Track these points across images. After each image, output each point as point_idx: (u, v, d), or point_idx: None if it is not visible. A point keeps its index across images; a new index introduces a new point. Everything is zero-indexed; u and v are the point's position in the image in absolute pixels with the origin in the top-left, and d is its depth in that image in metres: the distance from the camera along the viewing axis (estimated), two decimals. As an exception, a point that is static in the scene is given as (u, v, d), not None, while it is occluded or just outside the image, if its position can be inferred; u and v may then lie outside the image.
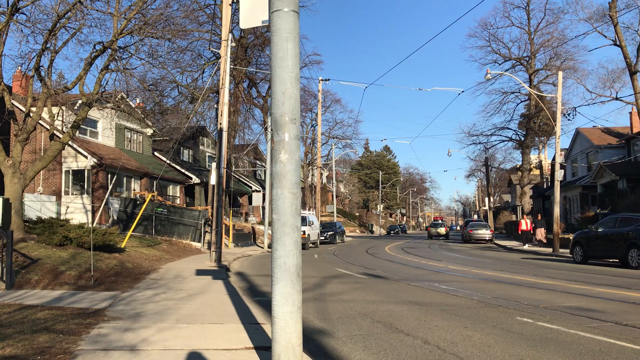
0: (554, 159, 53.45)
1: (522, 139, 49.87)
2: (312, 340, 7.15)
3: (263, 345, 6.34)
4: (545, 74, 47.60)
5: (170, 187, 38.48)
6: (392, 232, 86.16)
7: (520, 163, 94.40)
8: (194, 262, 20.40)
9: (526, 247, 32.69)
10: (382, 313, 9.13)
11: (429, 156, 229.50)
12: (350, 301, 10.63)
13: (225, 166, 21.49)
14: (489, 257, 24.93)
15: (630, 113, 46.99)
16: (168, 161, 36.79)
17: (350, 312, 9.29)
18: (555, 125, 28.15)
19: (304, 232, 33.09)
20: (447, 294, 11.35)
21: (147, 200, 25.32)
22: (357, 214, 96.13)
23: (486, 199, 59.85)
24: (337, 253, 29.02)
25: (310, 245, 34.29)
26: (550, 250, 28.21)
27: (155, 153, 40.31)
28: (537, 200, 58.42)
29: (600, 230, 19.72)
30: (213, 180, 21.57)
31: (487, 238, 41.97)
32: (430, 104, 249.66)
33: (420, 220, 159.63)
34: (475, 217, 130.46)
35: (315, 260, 23.85)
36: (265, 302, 10.83)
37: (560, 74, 28.32)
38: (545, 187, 62.82)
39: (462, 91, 44.88)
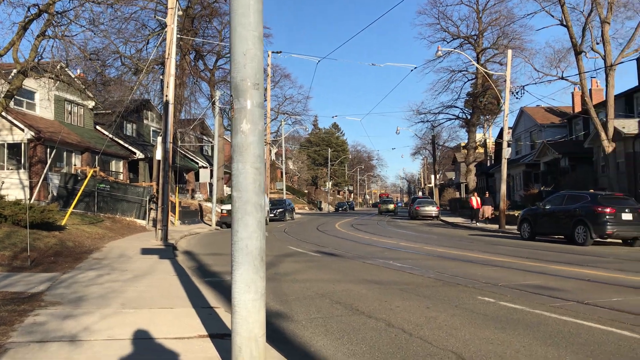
0: (499, 136, 54.56)
1: (469, 117, 50.47)
2: (269, 324, 6.71)
3: (218, 332, 5.87)
4: (493, 52, 48.14)
5: (113, 162, 37.05)
6: (340, 209, 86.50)
7: (465, 141, 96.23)
8: (139, 241, 19.60)
9: (477, 224, 32.93)
10: (340, 293, 8.78)
11: (378, 134, 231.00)
12: (306, 281, 10.25)
13: (171, 140, 20.63)
14: (438, 234, 25.07)
15: (573, 93, 48.20)
16: (111, 135, 35.28)
17: (308, 293, 8.91)
18: (503, 103, 28.42)
19: (252, 209, 32.50)
20: (404, 272, 11.12)
21: (89, 175, 24.16)
22: (306, 191, 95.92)
23: (432, 177, 60.67)
24: (287, 230, 28.63)
25: (259, 222, 33.71)
26: (496, 226, 28.66)
27: (97, 127, 38.65)
28: (481, 178, 59.50)
29: (547, 207, 20.01)
30: (159, 155, 20.69)
31: (434, 215, 42.45)
32: (382, 81, 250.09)
33: (367, 197, 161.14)
34: (420, 194, 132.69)
35: (266, 238, 23.35)
36: (216, 283, 10.34)
37: (510, 52, 28.53)
38: (489, 165, 64.13)
39: (415, 67, 44.69)
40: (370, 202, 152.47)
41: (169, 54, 20.37)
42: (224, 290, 9.48)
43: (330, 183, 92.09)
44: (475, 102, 49.14)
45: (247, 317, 4.10)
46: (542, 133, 46.72)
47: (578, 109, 47.29)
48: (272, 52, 27.41)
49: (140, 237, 21.54)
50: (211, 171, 35.77)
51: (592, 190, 20.59)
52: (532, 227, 20.61)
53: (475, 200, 34.56)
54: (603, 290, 8.80)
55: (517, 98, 29.05)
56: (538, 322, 6.54)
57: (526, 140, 48.93)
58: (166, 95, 20.35)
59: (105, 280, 9.81)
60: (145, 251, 15.80)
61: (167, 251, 16.24)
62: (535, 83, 33.04)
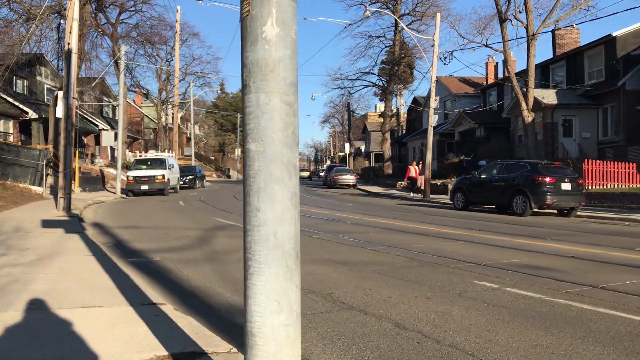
0: (412, 104, 54.49)
1: (386, 85, 49.77)
2: (237, 326, 5.07)
3: (184, 350, 4.10)
4: (412, 19, 47.40)
5: (1, 122, 32.98)
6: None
7: (373, 111, 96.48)
8: (37, 211, 16.96)
9: (416, 195, 29.61)
10: (307, 278, 7.21)
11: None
12: (255, 261, 8.58)
13: (75, 96, 17.93)
14: (366, 204, 24.04)
15: (487, 63, 48.78)
16: (-3, 91, 31.22)
17: (266, 278, 7.27)
18: (432, 68, 27.61)
19: (163, 176, 30.04)
20: (365, 249, 9.71)
21: (-27, 135, 20.81)
22: (213, 157, 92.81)
23: (347, 145, 59.98)
24: (203, 199, 26.56)
25: (170, 190, 31.30)
26: (420, 196, 28.10)
27: (-19, 82, 34.12)
28: (394, 147, 59.49)
29: (483, 176, 19.37)
30: (59, 112, 17.93)
31: (351, 183, 41.62)
32: (302, 43, 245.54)
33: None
34: (329, 162, 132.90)
35: (183, 208, 21.28)
36: (144, 265, 8.46)
37: (439, 15, 27.70)
38: (400, 134, 64.37)
39: (350, 24, 42.65)
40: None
41: (71, -5, 17.52)
42: (158, 275, 7.66)
43: (240, 150, 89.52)
44: (392, 70, 48.43)
45: (278, 354, 2.44)
46: (456, 103, 46.98)
47: (492, 79, 47.95)
48: None
49: (38, 206, 18.82)
50: (115, 133, 32.71)
51: (526, 160, 20.20)
52: (466, 197, 19.94)
53: (414, 170, 31.47)
54: (605, 270, 7.81)
55: (444, 64, 28.56)
56: (576, 316, 5.31)
57: (440, 109, 49.07)
58: (68, 43, 17.56)
59: (1, 263, 7.65)
60: (47, 224, 13.41)
61: (73, 223, 13.92)
62: (461, 49, 32.74)
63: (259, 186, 2.46)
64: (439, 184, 29.68)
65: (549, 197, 16.88)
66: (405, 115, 63.83)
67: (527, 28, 30.07)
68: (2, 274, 6.86)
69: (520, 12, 31.41)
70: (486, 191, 19.14)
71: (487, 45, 30.51)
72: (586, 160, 23.03)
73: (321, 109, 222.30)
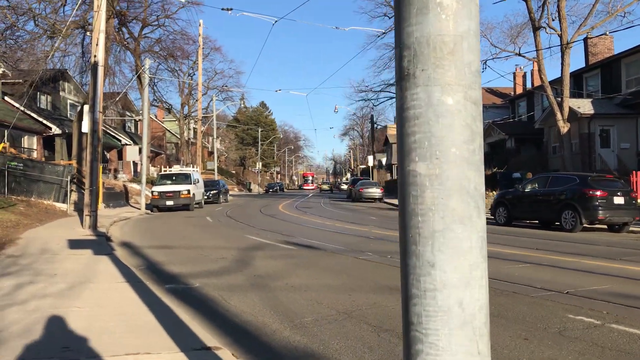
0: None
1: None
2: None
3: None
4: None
5: (26, 137, 32.68)
6: (270, 190, 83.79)
7: (394, 122, 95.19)
8: (62, 229, 16.33)
9: None
10: (370, 311, 6.35)
11: (314, 113, 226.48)
12: (306, 288, 7.73)
13: (101, 110, 17.34)
14: (394, 218, 23.01)
15: (514, 74, 47.69)
16: (22, 108, 30.91)
17: (324, 310, 6.41)
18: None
19: (188, 191, 29.41)
20: None
21: (-3, 151, 20.33)
22: (234, 171, 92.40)
23: (370, 157, 59.08)
24: (230, 215, 25.81)
25: (195, 205, 30.65)
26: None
27: (6, 98, 33.91)
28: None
29: (527, 190, 18.35)
30: (85, 127, 17.35)
31: (377, 197, 40.69)
32: (324, 56, 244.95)
33: (294, 178, 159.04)
34: (348, 175, 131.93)
35: (212, 224, 20.52)
36: (185, 293, 7.65)
37: (471, 24, 26.75)
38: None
39: (384, 33, 41.77)
40: (297, 182, 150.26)
41: (98, 6, 16.98)
42: (202, 306, 6.84)
43: (260, 164, 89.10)
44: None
45: None
46: (484, 114, 45.80)
47: (519, 90, 46.87)
48: (222, 9, 23.91)
49: (63, 224, 18.21)
50: (139, 148, 32.21)
51: (577, 173, 19.13)
52: (509, 212, 18.90)
53: None
54: None
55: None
56: None
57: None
58: (94, 56, 17.00)
59: (29, 294, 6.89)
60: (74, 244, 12.71)
61: (101, 243, 13.22)
62: (493, 59, 31.77)
63: (434, 229, 1.61)
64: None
65: (601, 211, 15.81)
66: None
67: (560, 36, 29.07)
68: (31, 309, 6.08)
69: (553, 20, 30.46)
70: (531, 205, 18.09)
71: (519, 54, 29.54)
72: (634, 172, 21.88)
73: (340, 122, 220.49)
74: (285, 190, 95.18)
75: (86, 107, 17.53)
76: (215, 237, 15.65)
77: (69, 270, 8.93)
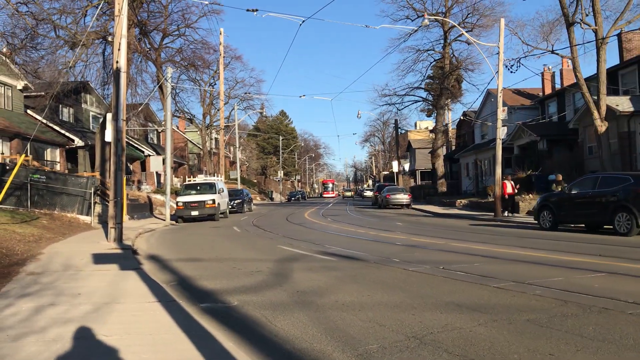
0: (460, 122, 52.03)
1: (437, 99, 47.70)
2: None
3: None
4: (461, 30, 45.37)
5: (49, 150, 32.31)
6: (292, 198, 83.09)
7: (416, 128, 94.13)
8: (86, 243, 15.63)
9: (512, 216, 24.91)
10: (446, 336, 5.41)
11: (336, 118, 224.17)
12: (360, 307, 6.81)
13: (124, 118, 16.66)
14: (435, 225, 22.03)
15: (542, 74, 46.30)
16: (44, 120, 30.53)
17: (390, 335, 5.49)
18: (498, 77, 25.64)
19: (213, 200, 28.69)
20: (488, 287, 7.74)
21: (19, 163, 19.72)
22: (255, 180, 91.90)
23: (394, 163, 57.97)
24: (257, 224, 25.00)
25: (220, 215, 29.93)
26: (491, 214, 25.91)
27: (29, 111, 33.63)
28: (445, 164, 57.22)
29: (574, 191, 17.21)
30: (109, 136, 16.67)
31: (405, 203, 39.60)
32: (347, 60, 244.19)
33: (315, 186, 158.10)
34: (370, 182, 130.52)
35: (240, 235, 19.70)
36: (224, 314, 6.80)
37: (502, 20, 25.79)
38: (449, 150, 61.97)
39: (415, 30, 40.87)
40: (318, 190, 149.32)
41: (119, 10, 16.34)
42: (246, 330, 5.96)
43: (282, 172, 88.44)
44: (442, 83, 46.42)
45: None
46: (512, 115, 44.53)
47: (548, 90, 45.47)
48: (248, 10, 23.21)
49: (87, 237, 17.54)
50: (163, 159, 31.68)
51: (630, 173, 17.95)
52: (555, 215, 17.76)
53: (510, 186, 25.72)
54: None
55: (511, 72, 26.40)
56: None
57: (494, 123, 46.67)
58: (117, 62, 16.36)
59: (50, 319, 6.08)
60: (99, 258, 11.97)
61: (127, 257, 12.46)
62: (525, 56, 30.48)
63: None
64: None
65: (660, 213, 14.64)
66: (454, 130, 61.46)
67: (595, 31, 27.81)
68: (51, 338, 5.26)
69: (587, 15, 29.25)
70: (579, 208, 16.94)
71: (553, 52, 28.36)
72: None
73: (361, 128, 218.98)
74: (306, 198, 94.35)
75: (109, 116, 16.86)
76: (246, 248, 14.83)
77: (94, 289, 8.14)
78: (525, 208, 26.61)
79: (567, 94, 38.70)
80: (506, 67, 25.75)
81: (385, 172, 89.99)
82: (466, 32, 44.61)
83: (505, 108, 26.72)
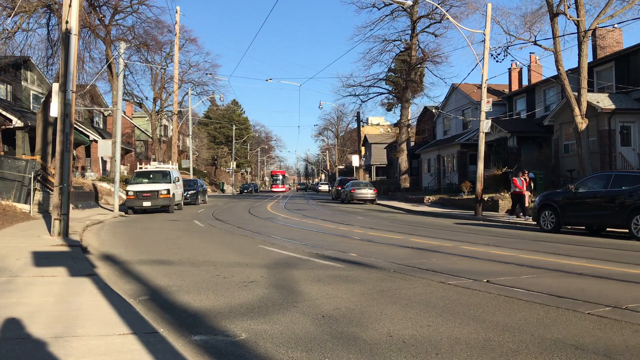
0: (421, 114, 50.62)
1: (402, 91, 46.09)
2: None
3: None
4: (429, 21, 43.95)
5: (-19, 130, 28.86)
6: (245, 191, 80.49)
7: (368, 123, 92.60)
8: (24, 237, 13.02)
9: (524, 219, 21.02)
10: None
11: (300, 108, 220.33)
12: (431, 346, 4.76)
13: (74, 89, 14.03)
14: (419, 223, 20.20)
15: (510, 69, 45.41)
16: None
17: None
18: (483, 66, 24.06)
19: (168, 191, 26.06)
20: (606, 320, 5.81)
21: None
22: (205, 171, 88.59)
23: (354, 157, 56.33)
24: (220, 217, 22.63)
25: (175, 207, 27.32)
26: (469, 212, 24.37)
27: (-41, 85, 30.02)
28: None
29: (582, 190, 15.68)
30: (54, 110, 14.00)
31: (370, 198, 37.87)
32: (313, 52, 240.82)
33: (266, 178, 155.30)
34: (322, 176, 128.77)
35: (206, 230, 17.31)
36: (230, 355, 4.58)
37: (490, 5, 24.19)
38: (409, 146, 60.57)
39: (382, 19, 38.57)
40: (268, 183, 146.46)
41: (71, -40, 13.65)
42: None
43: (234, 163, 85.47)
44: (410, 76, 44.85)
45: None
46: (477, 111, 43.42)
47: (515, 87, 44.65)
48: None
49: (26, 228, 14.88)
50: (113, 143, 28.75)
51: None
52: (558, 216, 16.19)
53: (523, 183, 22.10)
54: None
55: (497, 61, 24.78)
56: None
57: (457, 118, 45.52)
58: (67, 22, 13.69)
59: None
60: (42, 258, 9.49)
61: (77, 257, 10.00)
62: (507, 46, 28.94)
63: None
64: (486, 199, 26.00)
65: (684, 216, 13.24)
66: (414, 127, 60.13)
67: (577, 24, 26.64)
68: None
69: (569, 7, 28.10)
70: (587, 209, 15.41)
71: (535, 43, 26.95)
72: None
73: (315, 121, 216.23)
74: (258, 191, 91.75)
75: (55, 86, 14.19)
76: (221, 247, 12.54)
77: (36, 308, 5.79)
78: (504, 206, 25.22)
79: (538, 91, 37.79)
80: (492, 55, 24.16)
81: (341, 167, 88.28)
82: (435, 22, 43.22)
83: (490, 100, 25.11)
